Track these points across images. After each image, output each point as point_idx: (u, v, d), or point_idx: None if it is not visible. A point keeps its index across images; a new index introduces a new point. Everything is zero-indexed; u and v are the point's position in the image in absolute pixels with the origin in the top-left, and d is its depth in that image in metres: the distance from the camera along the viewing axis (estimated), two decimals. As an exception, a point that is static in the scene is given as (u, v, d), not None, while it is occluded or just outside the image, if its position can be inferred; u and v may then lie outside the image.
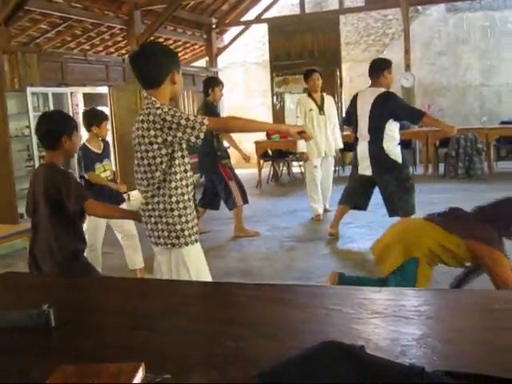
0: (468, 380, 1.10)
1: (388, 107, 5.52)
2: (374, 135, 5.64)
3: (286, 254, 5.74)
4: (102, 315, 1.73)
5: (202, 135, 2.70)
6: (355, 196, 6.00)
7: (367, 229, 6.33)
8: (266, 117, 13.20)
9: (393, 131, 5.62)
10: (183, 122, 2.66)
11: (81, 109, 11.16)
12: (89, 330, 1.60)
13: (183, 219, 2.81)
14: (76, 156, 5.03)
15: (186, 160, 2.85)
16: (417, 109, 5.87)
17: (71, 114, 8.41)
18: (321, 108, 7.14)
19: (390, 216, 5.81)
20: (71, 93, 8.56)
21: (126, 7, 10.24)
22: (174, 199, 2.78)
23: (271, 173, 11.09)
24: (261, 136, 11.39)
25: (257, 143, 10.63)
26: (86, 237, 4.96)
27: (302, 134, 2.84)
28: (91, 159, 4.91)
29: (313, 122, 7.08)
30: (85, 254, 4.95)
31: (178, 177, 2.80)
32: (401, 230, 3.73)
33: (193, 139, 2.71)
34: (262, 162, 10.66)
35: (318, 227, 6.60)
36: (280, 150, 11.03)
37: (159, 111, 2.68)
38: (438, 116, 11.98)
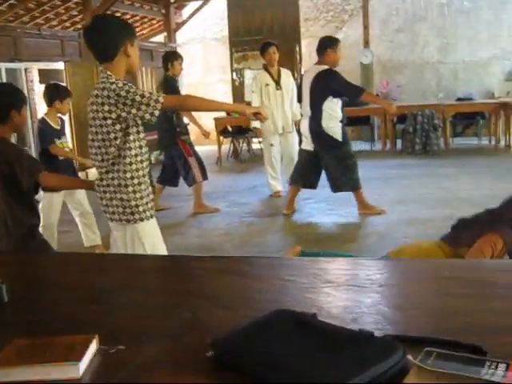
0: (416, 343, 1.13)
1: (327, 84, 5.61)
2: (314, 112, 5.74)
3: (246, 229, 5.77)
4: (57, 291, 1.71)
5: (156, 113, 2.68)
6: (304, 174, 6.07)
7: (325, 204, 6.40)
8: (225, 93, 13.17)
9: (332, 109, 5.70)
10: (138, 98, 2.64)
11: (36, 85, 10.97)
12: (43, 306, 1.58)
13: (138, 195, 2.79)
14: (36, 129, 4.94)
15: (141, 136, 2.83)
16: (356, 86, 5.90)
17: (26, 91, 8.23)
18: (277, 83, 7.01)
19: (333, 191, 5.94)
20: (25, 69, 8.36)
21: (82, -20, 10.00)
22: (128, 175, 2.76)
23: (231, 149, 11.07)
24: (220, 112, 11.34)
25: (216, 119, 10.59)
26: (42, 215, 4.93)
27: (258, 115, 2.86)
28: (52, 133, 4.84)
29: (269, 97, 6.96)
30: (40, 231, 4.93)
31: (133, 153, 2.78)
32: (414, 252, 3.62)
33: (147, 116, 2.69)
34: (221, 138, 10.63)
35: (277, 203, 6.64)
36: (240, 127, 11.01)
37: (113, 86, 2.65)
38: (397, 92, 12.18)
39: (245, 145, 11.70)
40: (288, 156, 7.15)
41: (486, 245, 3.05)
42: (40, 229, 4.95)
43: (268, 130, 7.00)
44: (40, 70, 11.15)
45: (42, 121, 4.83)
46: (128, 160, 2.76)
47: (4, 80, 7.60)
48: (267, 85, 6.97)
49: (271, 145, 7.14)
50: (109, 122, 2.69)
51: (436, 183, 7.17)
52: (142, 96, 2.65)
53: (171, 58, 6.45)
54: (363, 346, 1.09)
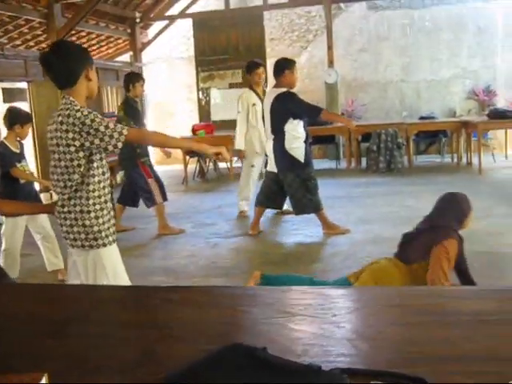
0: (366, 376, 1.15)
1: (286, 107, 5.69)
2: (277, 135, 5.82)
3: (211, 250, 5.76)
4: (11, 323, 1.68)
5: (119, 145, 2.68)
6: (270, 195, 6.11)
7: (290, 223, 6.43)
8: (192, 111, 13.21)
9: (295, 130, 5.77)
10: (102, 128, 2.64)
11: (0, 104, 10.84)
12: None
13: (100, 221, 2.78)
14: None
15: (104, 162, 2.83)
16: (314, 106, 5.94)
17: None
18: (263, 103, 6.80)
19: (296, 214, 6.00)
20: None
21: (45, 0, 9.94)
22: (91, 202, 2.75)
23: (197, 169, 11.06)
24: (184, 133, 11.34)
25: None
26: (3, 239, 4.87)
27: (219, 155, 2.85)
28: (12, 156, 4.78)
29: (256, 116, 6.85)
30: (1, 258, 4.86)
31: (96, 179, 2.77)
32: (371, 274, 3.64)
33: (110, 148, 2.69)
34: (187, 158, 10.61)
35: (242, 223, 6.65)
36: (206, 146, 11.01)
37: (79, 114, 2.64)
38: (361, 111, 12.36)
39: (211, 164, 11.70)
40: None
41: (441, 259, 3.12)
42: (1, 253, 4.90)
43: (253, 151, 6.94)
44: (4, 89, 11.03)
45: (1, 144, 4.77)
46: (91, 187, 2.75)
47: (-35, 101, 7.48)
48: (254, 104, 6.88)
49: (252, 166, 7.06)
50: (72, 149, 2.68)
51: (400, 201, 7.27)
52: (107, 127, 2.65)
53: (133, 79, 6.45)
54: (311, 379, 1.11)
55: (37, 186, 5.34)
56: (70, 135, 2.66)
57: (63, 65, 2.75)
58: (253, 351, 1.23)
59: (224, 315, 1.62)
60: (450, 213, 3.52)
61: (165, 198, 6.45)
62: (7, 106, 10.47)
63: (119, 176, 11.10)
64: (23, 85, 9.48)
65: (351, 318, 1.52)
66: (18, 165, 4.78)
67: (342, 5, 12.54)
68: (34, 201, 4.88)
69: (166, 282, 4.87)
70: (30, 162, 5.40)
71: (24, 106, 9.35)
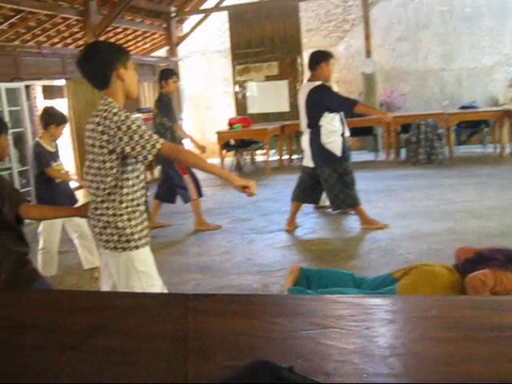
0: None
1: (320, 101, 5.58)
2: (312, 128, 5.72)
3: (247, 246, 5.71)
4: (32, 334, 1.65)
5: (150, 157, 2.63)
6: (306, 190, 6.00)
7: (327, 219, 6.34)
8: (229, 105, 13.17)
9: (331, 124, 5.66)
10: (136, 137, 2.59)
11: (39, 102, 10.99)
12: (12, 352, 1.52)
13: (133, 223, 2.75)
14: (31, 153, 4.91)
15: (139, 165, 2.77)
16: (348, 99, 5.78)
17: (27, 109, 8.22)
18: None
19: (333, 210, 5.89)
20: (26, 87, 8.36)
21: (81, -3, 10.02)
22: (124, 205, 2.71)
23: (234, 163, 11.02)
24: (221, 126, 11.33)
25: (218, 133, 10.57)
26: (41, 238, 4.91)
27: (246, 189, 2.71)
28: (47, 156, 4.81)
29: None
30: (39, 256, 4.90)
31: (130, 183, 2.73)
32: (425, 274, 3.51)
33: (140, 158, 2.64)
34: (224, 151, 10.58)
35: (279, 218, 6.57)
36: (243, 140, 10.99)
37: (116, 117, 2.61)
38: (400, 101, 12.12)
39: (248, 158, 11.66)
40: None
41: (491, 276, 2.97)
42: (39, 252, 4.94)
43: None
44: (44, 87, 11.18)
45: (37, 144, 4.80)
46: (125, 191, 2.71)
47: (4, 99, 7.58)
48: None
49: None
50: (105, 151, 2.64)
51: (440, 195, 7.09)
52: (141, 136, 2.60)
53: (166, 75, 6.43)
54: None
55: (73, 184, 5.38)
56: (105, 137, 2.62)
57: (92, 67, 2.71)
58: (278, 371, 1.17)
59: (252, 327, 1.55)
60: None
61: (200, 194, 6.43)
62: (47, 103, 10.66)
63: (157, 171, 11.17)
64: (61, 82, 9.57)
65: (385, 331, 1.44)
66: (54, 164, 4.80)
67: (379, -7, 12.31)
68: (70, 200, 4.91)
69: (201, 279, 4.85)
70: (68, 161, 5.42)
71: (63, 103, 9.47)
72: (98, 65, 2.71)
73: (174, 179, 6.34)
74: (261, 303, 1.79)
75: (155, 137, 2.65)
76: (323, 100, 5.57)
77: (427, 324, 1.45)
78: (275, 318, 1.60)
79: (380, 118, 6.16)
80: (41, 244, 4.95)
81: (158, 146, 2.62)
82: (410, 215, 6.22)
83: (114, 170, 2.66)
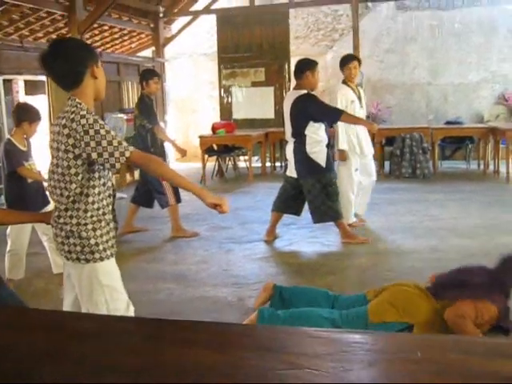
0: None
1: (305, 110, 5.46)
2: (297, 138, 5.60)
3: (224, 256, 5.55)
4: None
5: (118, 165, 2.46)
6: (287, 200, 5.86)
7: (307, 231, 6.19)
8: (214, 109, 13.01)
9: (316, 133, 5.55)
10: (104, 143, 2.42)
11: (21, 97, 10.74)
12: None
13: (98, 233, 2.57)
14: (1, 151, 4.70)
15: (107, 171, 2.61)
16: (334, 108, 5.71)
17: (9, 103, 8.00)
18: (360, 100, 6.24)
19: (314, 222, 5.74)
20: (6, 81, 8.14)
21: (67, -8, 9.80)
22: (89, 214, 2.54)
23: (216, 168, 10.85)
24: (205, 130, 11.17)
25: (201, 138, 10.39)
26: (10, 240, 4.71)
27: (218, 206, 2.57)
28: (19, 155, 4.61)
29: (354, 115, 6.01)
30: (7, 258, 4.70)
31: (97, 191, 2.56)
32: (397, 295, 3.39)
33: (107, 166, 2.48)
34: (206, 156, 10.41)
35: (259, 228, 6.41)
36: (226, 145, 10.84)
37: (83, 121, 2.42)
38: (386, 114, 12.05)
39: (230, 163, 11.51)
40: (368, 182, 6.43)
41: (471, 309, 2.85)
42: (6, 254, 4.74)
43: (353, 153, 6.19)
44: (26, 82, 10.93)
45: (9, 142, 4.60)
46: (91, 199, 2.54)
47: (-18, 93, 7.35)
48: (353, 101, 6.12)
49: (356, 169, 6.25)
50: (70, 155, 2.47)
51: (423, 210, 7.00)
52: (110, 143, 2.43)
53: (146, 76, 6.25)
54: None
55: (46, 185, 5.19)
56: (71, 141, 2.45)
57: (65, 66, 2.53)
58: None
59: (217, 362, 1.39)
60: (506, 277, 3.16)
61: (178, 200, 6.26)
62: (29, 98, 10.43)
63: (137, 173, 10.97)
64: (43, 78, 9.35)
65: (364, 375, 1.30)
66: (26, 164, 4.61)
67: (369, 4, 12.24)
68: (42, 200, 4.72)
69: (175, 288, 4.69)
70: (42, 160, 5.21)
71: (45, 99, 9.25)
72: (71, 63, 2.54)
73: (151, 183, 6.17)
74: (230, 333, 1.63)
75: (124, 144, 2.48)
76: (308, 109, 5.44)
77: (410, 368, 1.30)
78: (244, 352, 1.45)
79: (367, 128, 6.04)
80: (9, 246, 4.76)
81: (127, 154, 2.45)
82: (393, 230, 6.11)
83: (80, 177, 2.49)
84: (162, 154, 6.25)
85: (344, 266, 5.07)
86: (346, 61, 6.18)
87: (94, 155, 2.43)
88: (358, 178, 6.30)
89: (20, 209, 4.34)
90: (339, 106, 6.02)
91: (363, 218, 6.51)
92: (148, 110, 6.15)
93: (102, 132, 2.43)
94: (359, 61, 6.23)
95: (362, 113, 6.22)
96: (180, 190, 6.11)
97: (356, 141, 6.13)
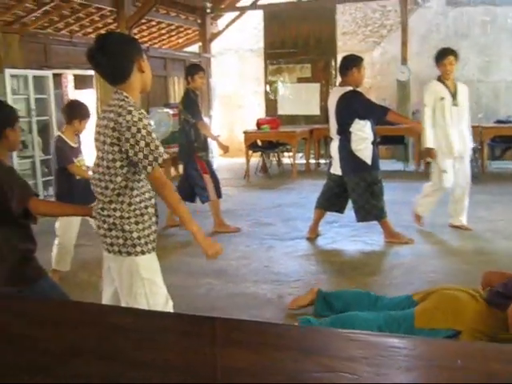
0: None
1: (351, 107, 5.37)
2: (342, 135, 5.50)
3: (265, 253, 5.52)
4: (14, 349, 1.49)
5: (149, 169, 2.48)
6: (331, 198, 5.78)
7: (350, 229, 6.11)
8: (259, 105, 13.00)
9: (362, 130, 5.44)
10: (142, 143, 2.44)
11: (71, 91, 10.97)
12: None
13: (140, 226, 2.59)
14: (52, 147, 4.77)
15: None
16: (380, 106, 5.61)
17: (58, 97, 8.16)
18: (454, 97, 5.83)
19: (357, 221, 5.64)
20: (56, 75, 8.31)
21: (116, -12, 9.93)
22: (132, 207, 2.56)
23: (260, 163, 10.85)
24: (250, 126, 11.17)
25: (246, 133, 10.39)
26: (58, 233, 4.78)
27: (211, 254, 2.65)
28: (70, 151, 4.69)
29: (444, 112, 5.76)
30: (54, 251, 4.79)
31: (140, 184, 2.59)
32: (442, 303, 3.25)
33: (140, 166, 2.50)
34: (250, 152, 10.41)
35: (302, 225, 6.36)
36: (270, 141, 10.82)
37: (129, 117, 2.44)
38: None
39: (274, 159, 11.48)
40: (459, 186, 6.02)
41: None
42: (54, 246, 4.82)
43: (442, 153, 5.84)
44: (75, 76, 11.14)
45: (59, 139, 4.67)
46: (135, 192, 2.57)
47: (31, 87, 7.51)
48: (442, 98, 5.79)
49: (444, 171, 5.89)
50: (116, 148, 2.49)
51: (470, 211, 6.78)
52: (147, 145, 2.45)
53: (191, 71, 6.25)
54: None
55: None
56: (116, 134, 2.47)
57: (112, 61, 2.55)
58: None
59: (250, 362, 1.37)
60: None
61: (219, 195, 6.27)
62: (78, 92, 10.63)
63: (182, 167, 11.05)
64: (92, 72, 9.50)
65: (398, 381, 1.25)
66: (75, 160, 4.68)
67: (419, 0, 12.02)
68: (89, 197, 4.78)
69: (216, 284, 4.69)
70: (91, 156, 5.27)
71: (93, 93, 9.40)
72: (118, 58, 2.56)
73: (192, 177, 6.21)
74: (268, 333, 1.60)
75: (160, 151, 2.49)
76: (354, 106, 5.36)
77: (451, 376, 1.25)
78: (278, 352, 1.42)
79: (411, 127, 5.92)
80: (57, 238, 4.84)
81: (155, 164, 2.48)
82: (438, 231, 5.98)
83: (125, 170, 2.51)
84: (205, 148, 6.27)
85: (387, 267, 4.99)
86: (440, 57, 5.89)
87: (131, 152, 2.45)
88: (447, 181, 5.93)
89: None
90: (426, 101, 5.84)
91: (457, 224, 6.11)
92: (192, 105, 6.16)
93: (143, 132, 2.44)
94: (456, 55, 5.87)
95: (455, 110, 5.80)
96: (224, 183, 6.15)
97: (444, 139, 5.79)
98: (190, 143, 6.13)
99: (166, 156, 2.51)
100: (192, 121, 6.11)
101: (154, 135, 2.48)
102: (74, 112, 4.69)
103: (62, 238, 4.80)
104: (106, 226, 2.60)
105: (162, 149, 2.49)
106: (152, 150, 2.45)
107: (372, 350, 1.40)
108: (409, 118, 6.00)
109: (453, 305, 3.14)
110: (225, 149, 6.48)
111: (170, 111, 10.10)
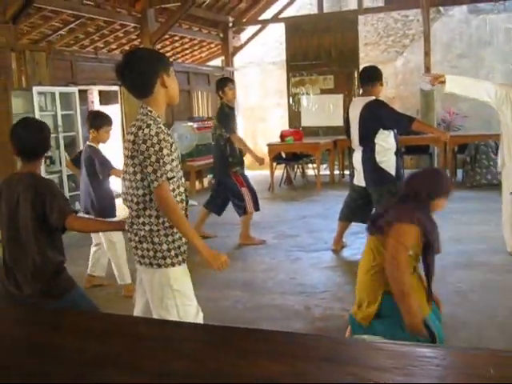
0: None
1: (375, 116, 5.32)
2: (366, 145, 5.44)
3: (291, 264, 5.53)
4: (41, 359, 1.52)
5: (154, 184, 2.49)
6: (355, 210, 5.76)
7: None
8: (282, 117, 13.03)
9: (385, 141, 5.38)
10: (153, 158, 2.48)
11: (96, 107, 11.13)
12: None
13: (170, 239, 2.61)
14: (89, 160, 4.72)
15: (177, 178, 2.62)
16: (405, 115, 5.52)
17: (82, 113, 8.27)
18: None
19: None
20: (81, 91, 8.44)
21: (140, 5, 10.08)
22: (160, 220, 2.58)
23: (284, 175, 10.86)
24: (273, 138, 11.20)
25: (270, 145, 10.41)
26: (100, 235, 4.83)
27: (216, 265, 2.65)
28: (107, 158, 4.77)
29: None
30: (91, 253, 4.90)
31: None
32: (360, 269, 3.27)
33: (148, 179, 2.52)
34: (274, 164, 10.43)
35: (327, 236, 6.34)
36: (294, 153, 10.83)
37: (147, 130, 2.49)
38: (460, 121, 11.72)
39: (299, 171, 11.49)
40: None
41: (396, 248, 2.85)
42: (92, 248, 4.92)
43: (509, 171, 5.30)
44: (100, 92, 11.30)
45: (94, 150, 4.70)
46: None
47: (58, 103, 7.63)
48: None
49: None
50: (136, 161, 2.54)
51: (498, 220, 6.72)
52: (157, 161, 2.47)
53: (221, 84, 6.28)
54: None
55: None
56: (135, 147, 2.52)
57: (135, 76, 2.60)
58: None
59: (274, 371, 1.38)
60: (421, 187, 3.10)
61: (257, 208, 6.28)
62: (103, 108, 10.77)
63: (207, 180, 11.11)
64: (116, 88, 9.63)
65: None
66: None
67: (441, 8, 12.00)
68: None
69: (242, 296, 4.70)
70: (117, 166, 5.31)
71: (117, 109, 9.52)
72: (142, 73, 2.60)
73: (232, 190, 6.24)
74: (295, 344, 1.61)
75: (166, 169, 2.49)
76: (379, 116, 5.32)
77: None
78: (308, 363, 1.43)
79: (438, 136, 5.87)
80: (94, 240, 4.96)
81: (159, 181, 2.48)
82: (465, 241, 5.92)
83: (145, 182, 2.54)
84: (240, 163, 6.27)
85: (414, 277, 4.94)
86: None
87: (143, 165, 2.50)
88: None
89: (110, 215, 4.52)
90: (503, 108, 5.31)
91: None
92: (226, 119, 6.15)
93: (156, 147, 2.47)
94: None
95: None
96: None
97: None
98: (224, 158, 6.13)
99: (165, 178, 2.50)
100: (225, 135, 6.12)
101: (165, 152, 2.50)
102: (90, 122, 4.78)
103: (99, 239, 4.88)
104: (136, 238, 2.63)
105: (168, 167, 2.50)
106: (158, 168, 2.47)
107: (403, 360, 1.40)
108: (434, 127, 5.91)
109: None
110: (260, 161, 6.28)
111: (194, 125, 10.18)
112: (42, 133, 2.96)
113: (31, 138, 2.89)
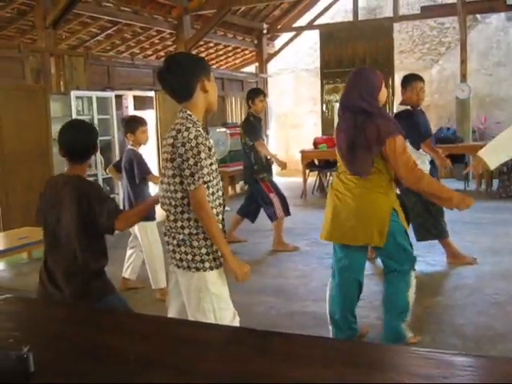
0: None
1: (409, 124, 5.19)
2: None
3: (324, 272, 5.47)
4: (91, 360, 1.54)
5: (191, 187, 2.50)
6: None
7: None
8: (315, 124, 13.02)
9: (421, 148, 5.31)
10: (191, 162, 2.49)
11: (131, 112, 11.26)
12: (71, 379, 1.41)
13: (209, 242, 2.61)
14: (128, 161, 4.79)
15: (215, 181, 2.63)
16: (420, 131, 5.26)
17: (118, 118, 8.38)
18: None
19: (416, 240, 5.42)
20: (117, 96, 8.54)
21: (176, 12, 10.19)
22: (199, 224, 2.59)
23: (317, 183, 10.83)
24: (306, 145, 11.18)
25: (302, 152, 10.40)
26: (137, 234, 4.88)
27: (239, 274, 2.67)
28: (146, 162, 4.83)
29: None
30: (127, 256, 4.96)
31: None
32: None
33: (184, 183, 2.54)
34: (307, 171, 10.41)
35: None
36: (327, 160, 10.79)
37: (186, 133, 2.50)
38: (495, 129, 11.54)
39: (331, 178, 11.44)
40: None
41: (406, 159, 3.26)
42: (128, 250, 4.98)
43: None
44: (135, 97, 11.43)
45: (134, 152, 4.77)
46: None
47: (95, 107, 7.74)
48: None
49: None
50: (175, 164, 2.54)
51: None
52: (195, 164, 2.48)
53: (252, 95, 6.33)
54: None
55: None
56: (174, 150, 2.53)
57: (176, 79, 2.61)
58: None
59: (338, 378, 1.37)
60: (358, 90, 3.35)
61: (287, 213, 6.30)
62: (137, 113, 10.88)
63: (239, 186, 11.15)
64: (151, 93, 9.73)
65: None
66: None
67: (478, 16, 11.85)
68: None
69: (275, 302, 4.70)
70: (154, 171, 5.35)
71: (152, 114, 9.62)
72: (183, 76, 2.62)
73: (261, 194, 6.29)
74: (331, 349, 1.60)
75: (204, 173, 2.50)
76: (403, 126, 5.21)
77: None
78: (356, 368, 1.42)
79: (438, 162, 5.57)
80: (130, 240, 5.02)
81: (194, 186, 2.50)
82: (502, 252, 5.82)
83: (184, 186, 2.55)
84: (266, 169, 6.31)
85: (450, 288, 4.89)
86: None
87: (182, 168, 2.51)
88: None
89: (150, 219, 4.57)
90: None
91: None
92: (251, 129, 6.23)
93: (195, 150, 2.48)
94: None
95: None
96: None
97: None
98: (250, 166, 6.25)
99: (207, 179, 2.52)
100: (250, 143, 6.19)
101: (203, 155, 2.51)
102: (125, 126, 4.85)
103: (136, 240, 4.93)
104: (175, 242, 2.64)
105: (205, 171, 2.50)
106: (196, 171, 2.48)
107: (449, 369, 1.39)
108: (438, 152, 5.57)
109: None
110: (282, 165, 6.40)
111: (228, 131, 10.23)
112: (91, 135, 2.97)
113: (80, 140, 2.90)
